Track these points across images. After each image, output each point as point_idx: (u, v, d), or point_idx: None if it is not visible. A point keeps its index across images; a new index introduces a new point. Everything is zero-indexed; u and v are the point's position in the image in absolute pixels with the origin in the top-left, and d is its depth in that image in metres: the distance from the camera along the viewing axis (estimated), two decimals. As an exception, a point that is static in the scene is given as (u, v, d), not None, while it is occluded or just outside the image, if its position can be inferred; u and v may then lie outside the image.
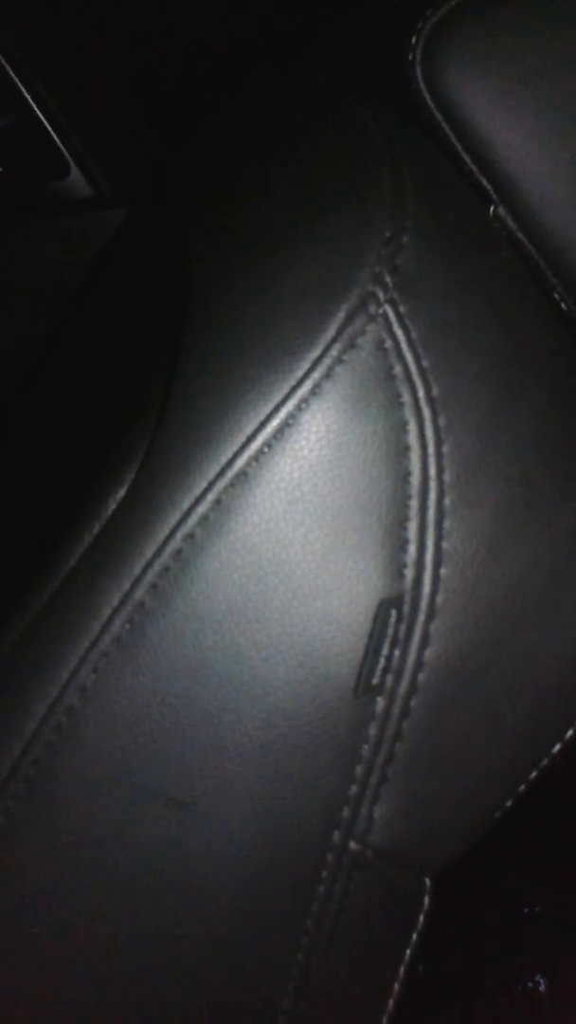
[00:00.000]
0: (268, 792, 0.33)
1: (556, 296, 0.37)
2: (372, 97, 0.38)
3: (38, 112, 0.46)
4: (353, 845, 0.34)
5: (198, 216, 0.39)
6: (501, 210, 0.37)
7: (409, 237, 0.33)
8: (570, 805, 0.58)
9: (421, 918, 0.36)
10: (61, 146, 0.47)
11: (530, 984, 0.57)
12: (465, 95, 0.36)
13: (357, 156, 0.35)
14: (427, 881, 0.36)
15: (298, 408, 0.32)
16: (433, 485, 0.33)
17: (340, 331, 0.32)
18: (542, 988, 0.57)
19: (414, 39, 0.36)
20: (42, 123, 0.46)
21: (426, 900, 0.36)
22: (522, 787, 0.36)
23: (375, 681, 0.33)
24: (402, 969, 0.36)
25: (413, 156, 0.36)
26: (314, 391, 0.32)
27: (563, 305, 0.37)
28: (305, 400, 0.32)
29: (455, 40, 0.36)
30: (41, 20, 0.48)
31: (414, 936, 0.36)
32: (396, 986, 0.36)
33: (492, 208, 0.37)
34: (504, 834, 0.38)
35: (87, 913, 0.33)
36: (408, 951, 0.36)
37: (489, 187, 0.37)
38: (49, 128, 0.47)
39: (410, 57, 0.36)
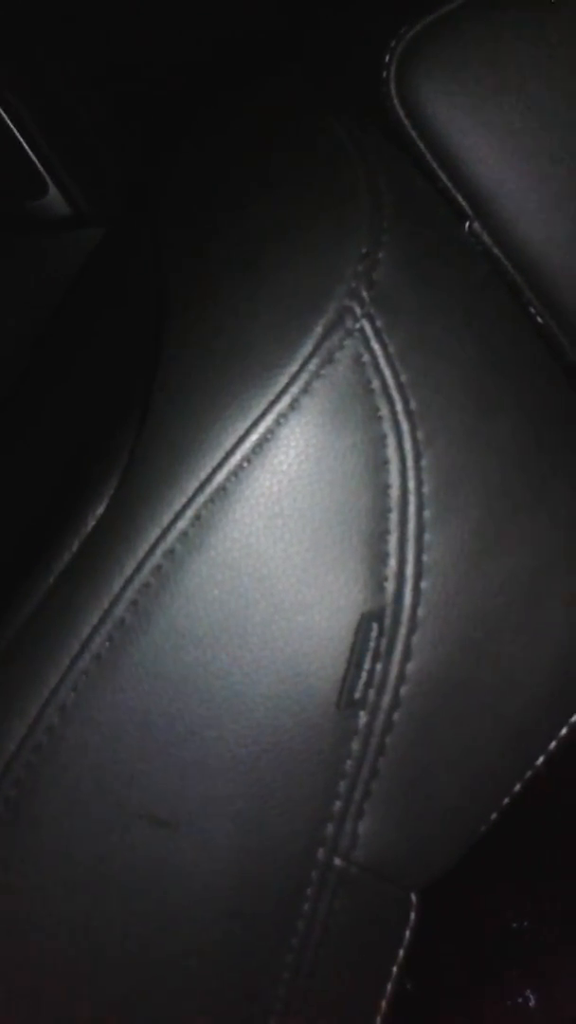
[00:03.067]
0: (251, 809, 0.33)
1: (532, 310, 0.38)
2: (349, 113, 0.38)
3: (15, 131, 0.46)
4: (338, 862, 0.34)
5: (177, 231, 0.39)
6: (476, 225, 0.37)
7: (385, 252, 0.34)
8: (556, 817, 0.58)
9: (408, 934, 0.36)
10: (39, 165, 0.47)
11: (520, 999, 0.57)
12: (439, 112, 0.36)
13: (333, 173, 0.36)
14: (413, 897, 0.36)
15: (277, 423, 0.32)
16: (412, 498, 0.33)
17: (318, 346, 0.33)
18: (532, 1003, 0.57)
19: (388, 57, 0.36)
20: (19, 142, 0.47)
21: (412, 916, 0.36)
22: (507, 800, 0.36)
23: (357, 695, 0.33)
24: (389, 986, 0.36)
25: (389, 172, 0.36)
26: (292, 406, 0.32)
27: (539, 319, 0.38)
28: (284, 415, 0.32)
29: (428, 58, 0.36)
30: (18, 39, 0.48)
31: (401, 952, 0.36)
32: (384, 1003, 0.36)
33: (467, 224, 0.37)
34: (491, 848, 0.38)
35: (71, 931, 0.33)
36: (395, 967, 0.36)
37: (464, 203, 0.37)
38: (26, 147, 0.47)
39: (384, 75, 0.36)
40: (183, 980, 0.33)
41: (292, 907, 0.34)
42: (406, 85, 0.36)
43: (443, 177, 0.37)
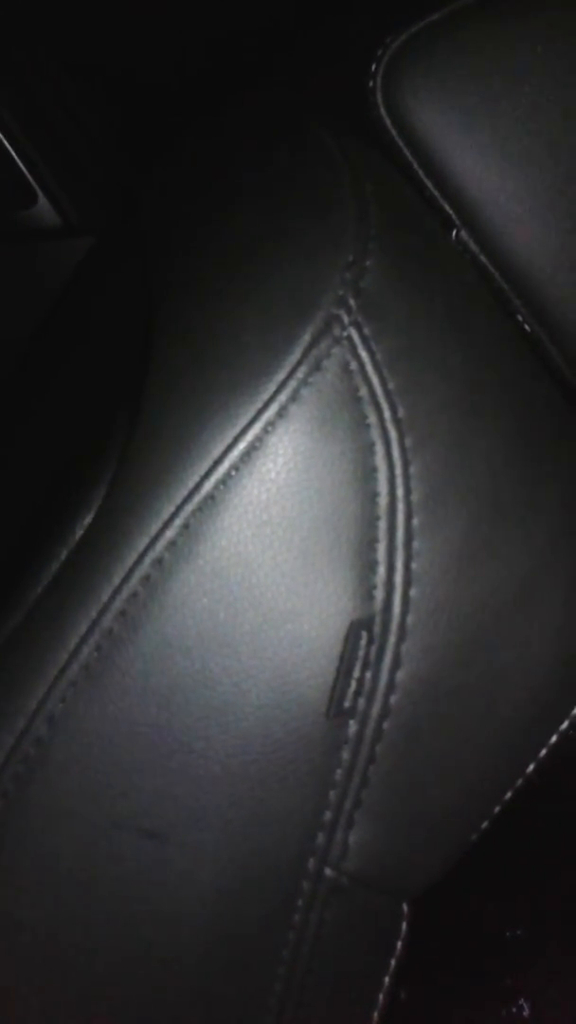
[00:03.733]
0: (241, 820, 0.33)
1: (519, 318, 0.38)
2: (336, 121, 0.38)
3: (3, 140, 0.46)
4: (328, 872, 0.34)
5: (165, 239, 0.39)
6: (463, 234, 0.37)
7: (373, 260, 0.34)
8: (549, 824, 0.58)
9: (399, 944, 0.36)
10: (28, 175, 0.47)
11: (514, 1009, 0.56)
12: (425, 121, 0.36)
13: (320, 180, 0.36)
14: (404, 906, 0.35)
15: (265, 431, 0.32)
16: (401, 506, 0.33)
17: (305, 353, 0.33)
18: (526, 1013, 0.56)
19: (374, 66, 0.36)
20: (8, 152, 0.47)
21: (404, 925, 0.35)
22: (498, 808, 0.36)
23: (347, 704, 0.33)
24: (382, 996, 0.36)
25: (376, 181, 0.36)
26: (280, 414, 0.32)
27: (526, 327, 0.38)
28: (272, 423, 0.32)
29: (415, 67, 0.36)
30: (6, 49, 0.48)
31: (393, 962, 0.36)
32: (376, 1014, 0.36)
33: (454, 232, 0.37)
34: (484, 857, 0.38)
35: (60, 944, 0.32)
36: (387, 977, 0.36)
37: (451, 212, 0.37)
38: (15, 156, 0.47)
39: (371, 84, 0.37)
40: (173, 992, 0.33)
41: (283, 918, 0.34)
42: (393, 94, 0.36)
43: (430, 186, 0.37)
